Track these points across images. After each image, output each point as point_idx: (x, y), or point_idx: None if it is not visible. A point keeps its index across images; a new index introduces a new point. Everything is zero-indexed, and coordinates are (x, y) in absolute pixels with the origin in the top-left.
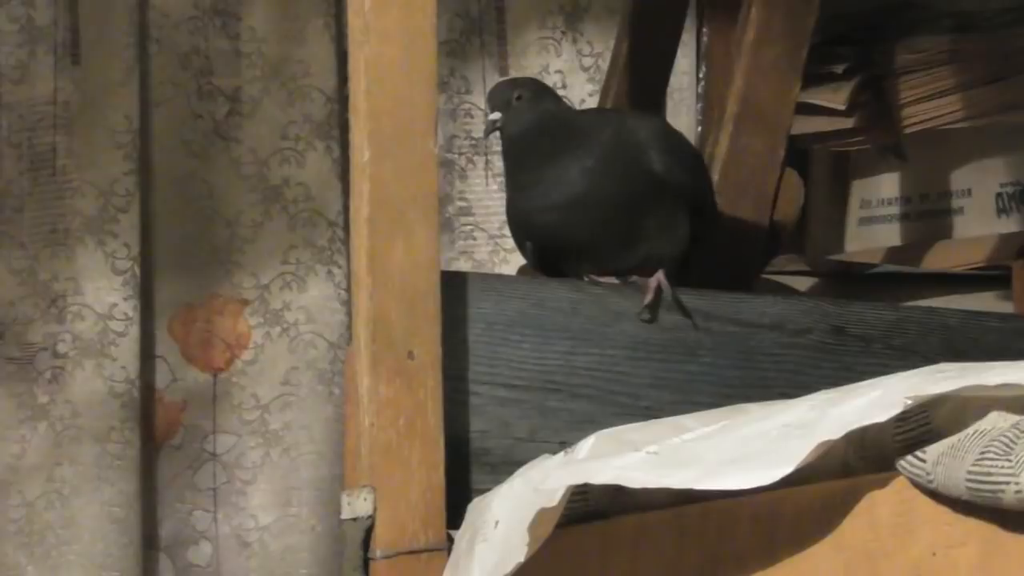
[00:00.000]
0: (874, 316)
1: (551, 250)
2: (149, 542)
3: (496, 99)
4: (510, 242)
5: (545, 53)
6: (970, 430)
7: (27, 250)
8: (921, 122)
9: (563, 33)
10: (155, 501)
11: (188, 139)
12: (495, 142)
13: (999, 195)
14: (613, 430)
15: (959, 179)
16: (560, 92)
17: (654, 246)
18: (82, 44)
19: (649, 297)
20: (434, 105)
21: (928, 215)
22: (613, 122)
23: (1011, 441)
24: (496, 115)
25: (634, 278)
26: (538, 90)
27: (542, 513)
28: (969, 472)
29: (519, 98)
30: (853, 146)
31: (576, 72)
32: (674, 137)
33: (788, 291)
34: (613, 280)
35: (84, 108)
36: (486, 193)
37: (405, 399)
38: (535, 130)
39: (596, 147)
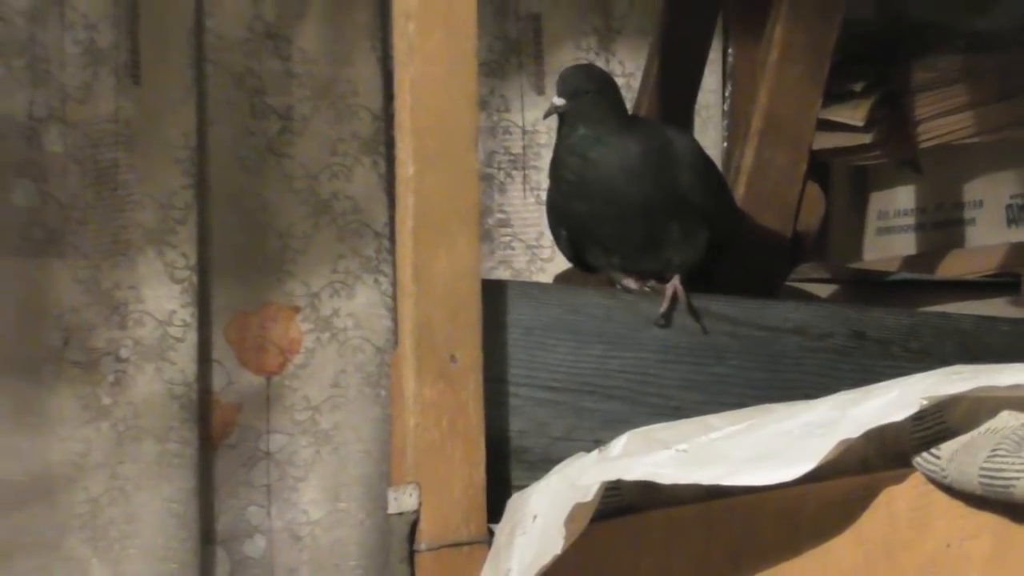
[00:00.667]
0: (892, 321)
1: (582, 240)
2: (206, 536)
3: (566, 85)
4: (547, 252)
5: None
6: (983, 428)
7: (91, 260)
8: (936, 137)
9: (596, 54)
10: (212, 497)
11: (242, 155)
12: (532, 157)
13: (1009, 206)
14: (644, 429)
15: (971, 191)
16: None
17: (674, 253)
18: (142, 65)
19: (665, 305)
20: (475, 122)
21: (942, 225)
22: (654, 133)
23: (1021, 439)
24: (560, 101)
25: (652, 283)
26: (604, 87)
27: (578, 508)
28: (982, 468)
29: (587, 92)
30: (871, 160)
31: (608, 85)
32: (703, 160)
33: (811, 297)
34: (644, 287)
35: (144, 126)
36: (523, 206)
37: (448, 400)
38: (593, 124)
39: (635, 151)
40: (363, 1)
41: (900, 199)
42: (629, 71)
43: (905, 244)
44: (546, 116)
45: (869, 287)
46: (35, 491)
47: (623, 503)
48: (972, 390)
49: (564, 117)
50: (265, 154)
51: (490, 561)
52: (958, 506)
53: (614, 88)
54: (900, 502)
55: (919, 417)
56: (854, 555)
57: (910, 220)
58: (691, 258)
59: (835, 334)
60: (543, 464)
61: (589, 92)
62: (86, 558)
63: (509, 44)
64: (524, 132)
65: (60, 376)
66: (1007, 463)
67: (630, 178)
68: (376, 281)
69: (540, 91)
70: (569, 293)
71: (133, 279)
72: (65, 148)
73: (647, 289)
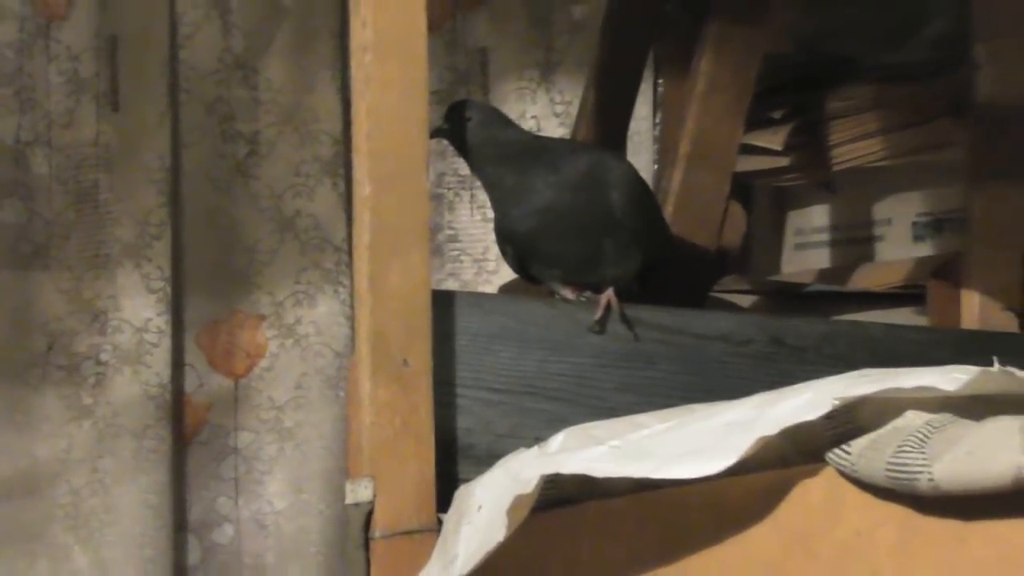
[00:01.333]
0: (808, 329)
1: (526, 256)
2: (179, 524)
3: (449, 114)
4: (492, 264)
5: (523, 101)
6: (889, 427)
7: (73, 272)
8: (848, 161)
9: (538, 84)
10: (184, 489)
11: (213, 176)
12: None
13: (915, 223)
14: (581, 427)
15: (881, 210)
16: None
17: (609, 268)
18: (121, 94)
19: (599, 313)
20: (426, 146)
21: (854, 242)
22: (591, 156)
23: (924, 436)
24: (443, 124)
25: (587, 294)
26: (485, 118)
27: (519, 499)
28: (888, 463)
29: (468, 119)
30: (789, 182)
31: (549, 117)
32: (636, 183)
33: (734, 307)
34: (581, 297)
35: (123, 149)
36: (471, 223)
37: (401, 401)
38: (498, 150)
39: (572, 172)
40: (324, 35)
41: (816, 217)
42: (567, 100)
43: (820, 258)
44: (431, 136)
45: (787, 298)
46: (22, 484)
47: (561, 495)
48: (880, 391)
49: (452, 141)
50: (234, 175)
51: (438, 548)
52: (867, 498)
53: (499, 117)
54: (814, 494)
55: (831, 416)
56: (773, 543)
57: (825, 237)
58: (625, 272)
59: (756, 340)
60: (488, 459)
61: (472, 119)
62: (69, 545)
63: (458, 75)
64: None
65: (45, 378)
66: (911, 458)
67: (564, 198)
68: (336, 292)
69: None
70: (513, 303)
71: (112, 290)
72: (50, 169)
73: (583, 299)
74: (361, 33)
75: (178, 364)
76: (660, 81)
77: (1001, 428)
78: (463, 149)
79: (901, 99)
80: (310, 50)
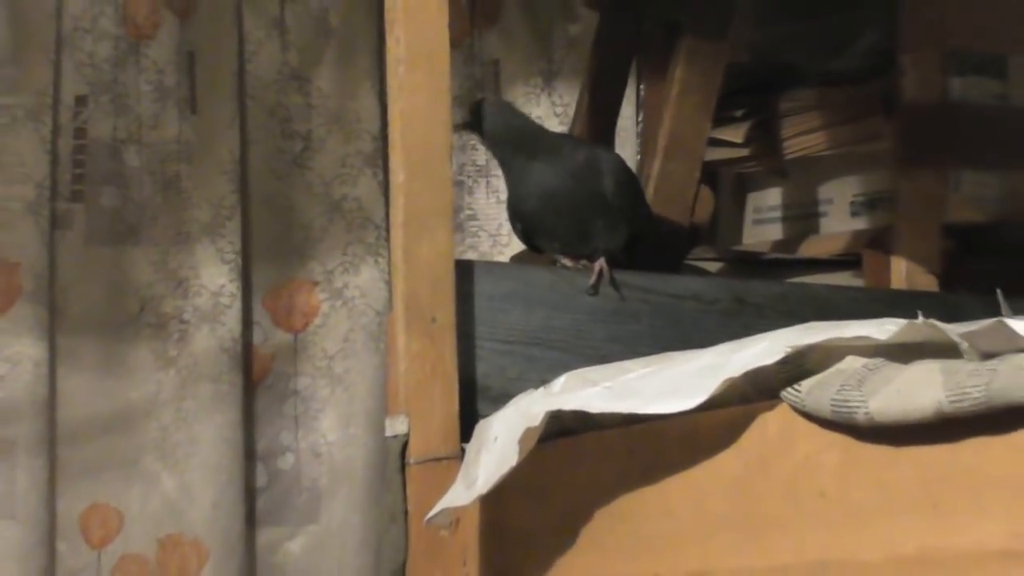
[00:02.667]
0: (765, 290)
1: (532, 230)
2: (249, 454)
3: (473, 108)
4: (505, 239)
5: (528, 104)
6: (833, 369)
7: (160, 247)
8: (797, 151)
9: (541, 89)
10: (253, 425)
11: (274, 167)
12: (493, 168)
13: (852, 202)
14: (579, 371)
15: (824, 191)
16: None
17: (600, 241)
18: (198, 100)
19: (593, 278)
20: (449, 142)
21: (801, 217)
22: (587, 149)
23: (862, 377)
24: (468, 118)
25: (584, 262)
26: (502, 111)
27: (528, 431)
28: (832, 399)
29: (488, 112)
30: (749, 168)
31: (551, 117)
32: (624, 171)
33: (703, 272)
34: (578, 265)
35: (200, 146)
36: (487, 205)
37: (430, 352)
38: (512, 138)
39: (571, 162)
40: (364, 50)
41: (770, 198)
42: (566, 103)
43: (774, 232)
44: (455, 130)
45: (747, 265)
46: (119, 421)
47: (563, 427)
48: (824, 340)
49: (475, 131)
50: (291, 167)
51: (462, 472)
52: (814, 428)
53: (513, 112)
54: (771, 426)
55: (784, 361)
56: (736, 467)
57: (778, 214)
58: (614, 244)
59: (722, 300)
60: (502, 398)
61: (490, 113)
62: (158, 471)
63: (475, 82)
64: (487, 149)
65: (138, 335)
66: (851, 396)
67: (564, 183)
68: (376, 261)
69: None
70: (521, 270)
71: (192, 261)
72: (140, 163)
73: (580, 267)
74: (395, 49)
75: (247, 322)
76: (642, 86)
77: (924, 370)
78: (483, 137)
79: (839, 100)
80: (353, 63)
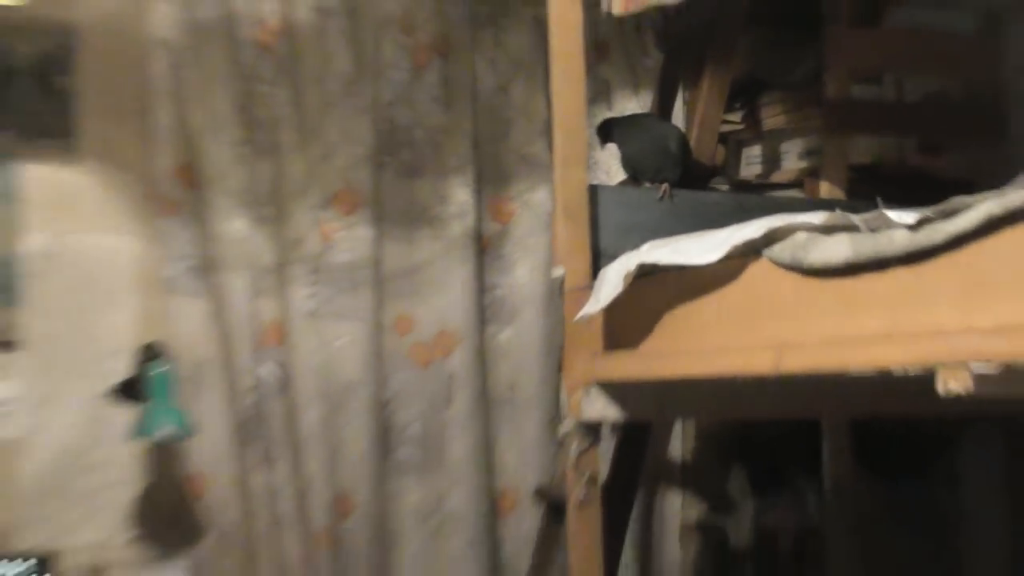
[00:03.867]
0: (753, 200)
1: (633, 169)
2: (479, 288)
3: (600, 125)
4: (613, 174)
5: (626, 102)
6: (789, 239)
7: (433, 180)
8: (769, 126)
9: (632, 95)
10: (483, 272)
11: (491, 139)
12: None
13: (800, 153)
14: (654, 242)
15: (784, 147)
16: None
17: (668, 175)
18: (451, 104)
19: (661, 193)
20: (584, 123)
21: (772, 160)
22: (660, 124)
23: (806, 242)
24: (608, 145)
25: (659, 186)
26: (617, 119)
27: (627, 273)
28: (791, 255)
29: (609, 122)
30: (742, 135)
31: (637, 109)
32: (680, 137)
33: (719, 190)
34: (655, 188)
35: (450, 129)
36: (603, 157)
37: (576, 233)
38: (622, 123)
39: (653, 132)
40: (538, 74)
41: (754, 152)
42: (645, 103)
43: (757, 169)
44: (602, 144)
45: (744, 187)
46: (413, 269)
47: (646, 272)
48: (787, 224)
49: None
50: (501, 138)
51: (592, 295)
52: (780, 271)
53: (638, 116)
54: (758, 270)
55: (765, 235)
56: (738, 291)
57: (759, 159)
58: (673, 176)
59: (729, 204)
60: (614, 257)
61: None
62: (432, 294)
63: (597, 94)
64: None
65: (424, 225)
66: (799, 253)
67: (650, 144)
68: (547, 185)
69: (611, 107)
70: (625, 190)
71: (450, 188)
72: (423, 136)
73: (656, 188)
74: (556, 74)
75: (478, 218)
76: (685, 93)
77: (839, 238)
78: (609, 135)
79: (792, 98)
80: (533, 83)
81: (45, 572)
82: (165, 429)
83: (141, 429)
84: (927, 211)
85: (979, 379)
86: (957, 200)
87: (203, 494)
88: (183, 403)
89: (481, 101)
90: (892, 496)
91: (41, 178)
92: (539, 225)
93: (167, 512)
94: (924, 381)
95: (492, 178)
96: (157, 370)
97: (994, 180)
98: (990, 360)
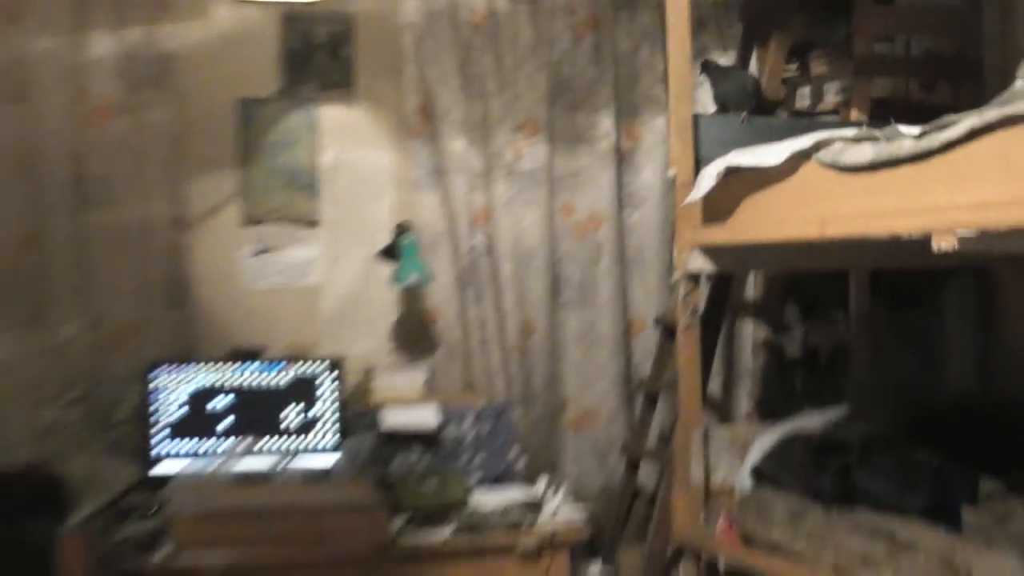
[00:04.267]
0: (805, 121)
1: (721, 103)
2: (619, 183)
3: (703, 64)
4: (706, 108)
5: (719, 58)
6: (830, 147)
7: (584, 112)
8: (816, 73)
9: (723, 54)
10: (621, 175)
11: (640, 90)
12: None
13: (836, 90)
14: (738, 151)
15: (826, 87)
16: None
17: (746, 105)
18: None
19: (740, 119)
20: (690, 71)
21: (817, 96)
22: (742, 73)
23: (841, 148)
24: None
25: (743, 114)
26: (714, 63)
27: (718, 173)
28: (833, 157)
29: (708, 62)
30: (797, 80)
31: (725, 62)
32: (755, 82)
33: (780, 118)
34: (738, 113)
35: (603, 78)
36: (700, 96)
37: (684, 145)
38: (714, 68)
39: (737, 77)
40: (657, 41)
41: (805, 90)
42: (731, 59)
43: (807, 101)
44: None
45: (798, 114)
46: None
47: (734, 171)
48: (827, 136)
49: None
50: (648, 93)
51: (695, 186)
52: (823, 169)
53: (733, 67)
54: (810, 167)
55: (815, 144)
56: (796, 180)
57: (808, 94)
58: (750, 104)
59: (786, 125)
60: (709, 161)
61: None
62: (578, 197)
63: (698, 52)
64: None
65: (586, 150)
66: (838, 156)
67: (735, 85)
68: (663, 112)
69: (704, 54)
70: (717, 118)
71: (601, 119)
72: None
73: (740, 115)
74: (670, 40)
75: (618, 138)
76: (758, 51)
77: (866, 145)
78: (707, 69)
79: (832, 53)
80: (655, 47)
81: (336, 369)
82: (412, 278)
83: (396, 278)
84: (926, 126)
85: (962, 241)
86: (947, 118)
87: (436, 320)
88: (423, 261)
89: (620, 60)
90: (897, 323)
91: (332, 115)
92: (658, 142)
93: (413, 332)
94: (923, 242)
95: (627, 111)
96: (407, 240)
97: (972, 107)
98: (970, 227)
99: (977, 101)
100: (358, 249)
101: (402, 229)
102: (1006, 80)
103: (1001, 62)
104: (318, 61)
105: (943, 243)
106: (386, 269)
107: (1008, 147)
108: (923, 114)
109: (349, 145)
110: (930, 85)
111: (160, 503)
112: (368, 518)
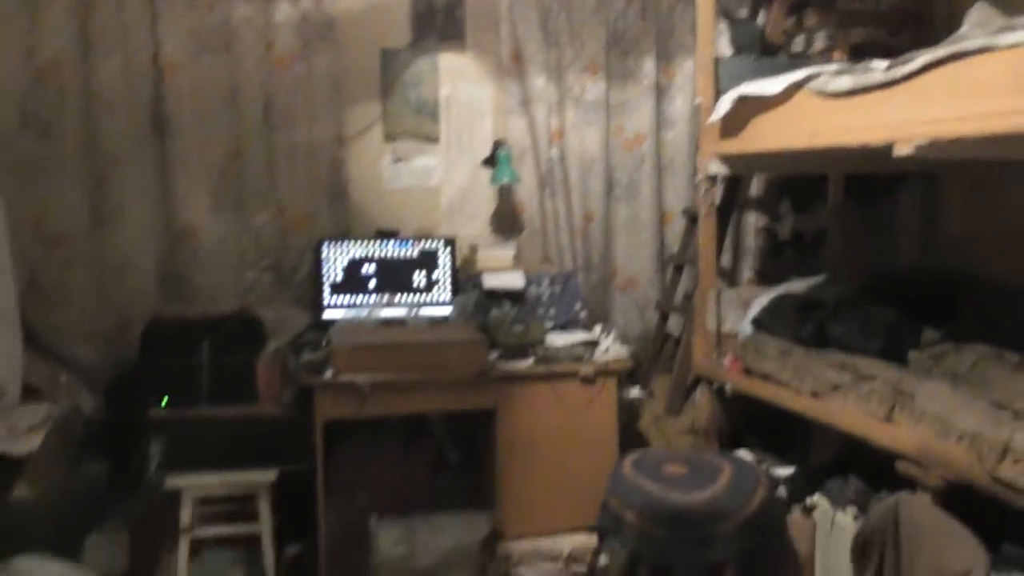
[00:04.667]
0: (820, 60)
1: (737, 48)
2: (658, 118)
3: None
4: (727, 53)
5: (736, 13)
6: (820, 76)
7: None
8: (809, 24)
9: (738, 7)
10: (659, 104)
11: (678, 44)
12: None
13: (851, 46)
14: (748, 82)
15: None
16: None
17: (755, 50)
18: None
19: (751, 60)
20: (713, 23)
21: (831, 40)
22: (753, 24)
23: (827, 80)
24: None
25: (753, 56)
26: (737, 20)
27: (733, 100)
28: (820, 85)
29: (731, 17)
30: (794, 30)
31: (741, 15)
32: (763, 31)
33: (781, 58)
34: (751, 56)
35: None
36: (721, 43)
37: (707, 81)
38: (734, 23)
39: (749, 27)
40: (688, 12)
41: (799, 39)
42: (744, 14)
43: (800, 48)
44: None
45: (795, 57)
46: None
47: (744, 98)
48: (817, 71)
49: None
50: (683, 43)
51: (714, 111)
52: (815, 96)
53: (749, 21)
54: (803, 95)
55: (807, 76)
56: (789, 109)
57: (803, 42)
58: (759, 51)
59: (785, 63)
60: (726, 91)
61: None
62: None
63: (721, 14)
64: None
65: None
66: (824, 83)
67: (748, 36)
68: (691, 59)
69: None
70: (733, 59)
71: (643, 71)
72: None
73: (749, 56)
74: (699, 6)
75: (657, 76)
76: (766, 9)
77: (844, 77)
78: (726, 21)
79: (821, 10)
80: (688, 5)
81: (450, 245)
82: (505, 179)
83: (494, 179)
84: (892, 62)
85: (917, 148)
86: (908, 54)
87: (522, 211)
88: (514, 167)
89: (660, 16)
90: (863, 214)
91: (448, 60)
92: (687, 78)
93: (506, 219)
94: (886, 150)
95: (664, 55)
96: (502, 152)
97: (926, 46)
98: (924, 138)
99: (931, 43)
100: (467, 158)
101: (498, 144)
102: (953, 26)
103: (949, 12)
104: (438, 20)
105: (903, 150)
106: (487, 173)
107: (954, 76)
108: (890, 55)
109: (460, 82)
110: (896, 32)
111: (327, 339)
112: (473, 351)
